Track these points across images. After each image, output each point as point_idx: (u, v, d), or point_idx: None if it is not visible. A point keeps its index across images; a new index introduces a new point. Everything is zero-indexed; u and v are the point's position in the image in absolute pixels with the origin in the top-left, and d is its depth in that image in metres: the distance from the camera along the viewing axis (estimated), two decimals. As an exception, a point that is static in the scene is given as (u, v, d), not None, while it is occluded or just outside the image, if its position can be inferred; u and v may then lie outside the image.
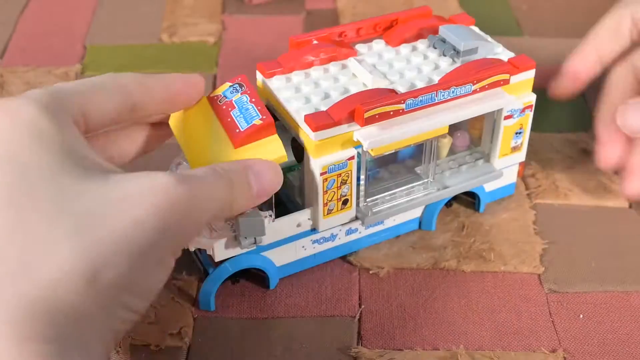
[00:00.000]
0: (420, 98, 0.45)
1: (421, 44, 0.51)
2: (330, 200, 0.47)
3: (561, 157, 0.61)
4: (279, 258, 0.48)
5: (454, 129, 0.51)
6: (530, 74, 0.50)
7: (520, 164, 0.55)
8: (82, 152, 0.35)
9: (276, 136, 0.44)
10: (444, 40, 0.51)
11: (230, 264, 0.47)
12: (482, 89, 0.47)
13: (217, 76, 0.69)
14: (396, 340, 0.46)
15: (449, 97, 0.46)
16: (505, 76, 0.48)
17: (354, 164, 0.46)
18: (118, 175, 0.34)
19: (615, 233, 0.54)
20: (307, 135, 0.44)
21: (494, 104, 0.48)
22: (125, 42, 0.74)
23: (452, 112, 0.47)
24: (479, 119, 0.52)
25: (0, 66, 0.70)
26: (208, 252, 0.45)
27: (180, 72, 0.73)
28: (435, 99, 0.46)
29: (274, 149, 0.43)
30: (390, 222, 0.51)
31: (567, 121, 0.64)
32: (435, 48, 0.51)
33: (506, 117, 0.51)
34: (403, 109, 0.45)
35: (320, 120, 0.44)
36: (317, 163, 0.45)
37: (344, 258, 0.51)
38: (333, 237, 0.49)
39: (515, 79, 0.49)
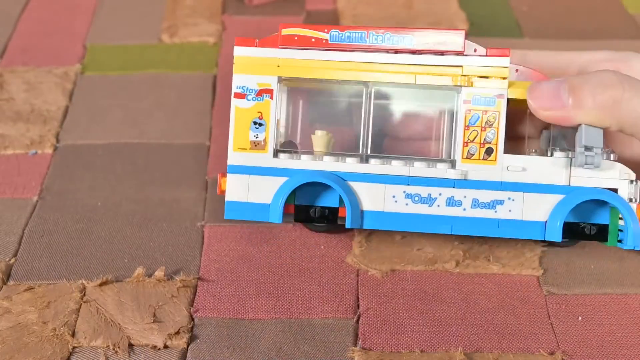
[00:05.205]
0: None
1: None
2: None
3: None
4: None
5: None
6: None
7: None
8: None
9: None
10: None
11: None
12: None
13: (217, 76, 0.69)
14: (395, 342, 0.46)
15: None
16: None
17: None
18: None
19: (614, 235, 0.54)
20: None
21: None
22: (125, 42, 0.74)
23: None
24: None
25: (0, 66, 0.70)
26: None
27: (180, 72, 0.73)
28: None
29: None
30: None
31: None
32: None
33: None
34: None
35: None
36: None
37: (343, 259, 0.51)
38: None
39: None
